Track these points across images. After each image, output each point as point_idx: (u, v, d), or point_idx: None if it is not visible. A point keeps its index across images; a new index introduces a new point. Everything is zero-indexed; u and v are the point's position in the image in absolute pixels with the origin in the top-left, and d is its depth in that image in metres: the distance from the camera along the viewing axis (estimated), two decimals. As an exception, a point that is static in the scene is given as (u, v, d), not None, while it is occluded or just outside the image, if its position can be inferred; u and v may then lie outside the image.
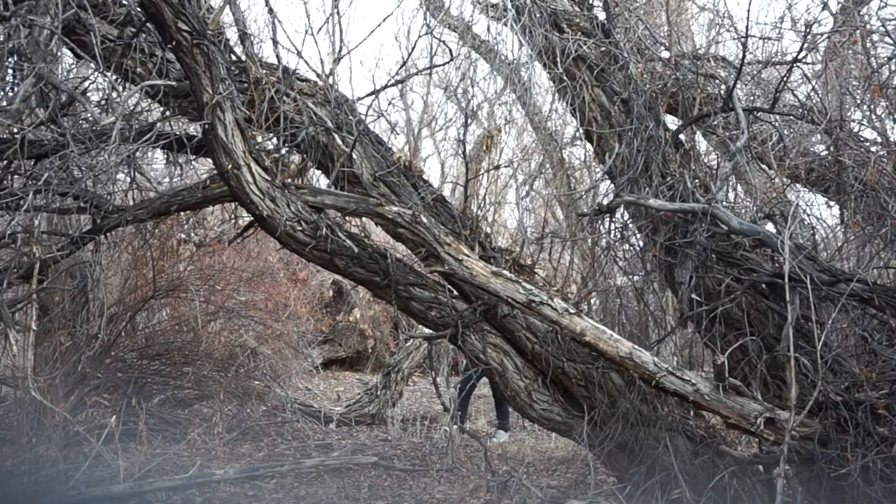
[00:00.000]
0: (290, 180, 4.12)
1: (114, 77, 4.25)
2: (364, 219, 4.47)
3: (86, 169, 4.16)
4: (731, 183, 4.44)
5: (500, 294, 3.86)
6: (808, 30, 4.24)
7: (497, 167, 7.58)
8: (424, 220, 4.03)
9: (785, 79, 4.17)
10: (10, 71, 3.55)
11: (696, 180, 4.23)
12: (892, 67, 4.20)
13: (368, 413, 7.46)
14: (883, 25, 4.12)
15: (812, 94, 4.40)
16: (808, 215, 4.52)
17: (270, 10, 4.47)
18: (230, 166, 3.82)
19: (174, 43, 3.61)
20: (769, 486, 3.81)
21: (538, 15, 4.40)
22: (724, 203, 4.08)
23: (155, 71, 4.12)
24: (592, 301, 5.40)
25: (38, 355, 5.77)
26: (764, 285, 3.98)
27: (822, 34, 4.53)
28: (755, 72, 4.71)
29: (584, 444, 4.14)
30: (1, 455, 5.02)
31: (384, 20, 7.20)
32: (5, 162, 3.90)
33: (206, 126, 3.79)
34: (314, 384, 9.41)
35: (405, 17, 21.34)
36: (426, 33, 4.91)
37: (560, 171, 5.83)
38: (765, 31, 9.47)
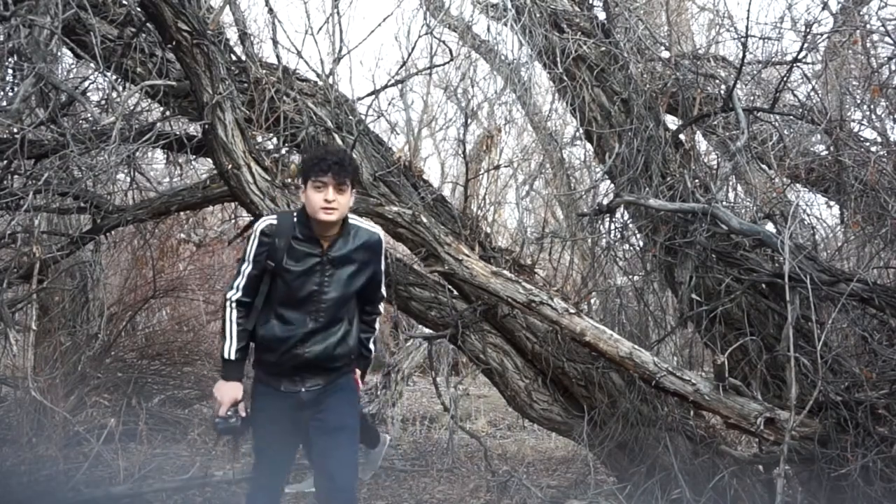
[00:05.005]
0: (290, 180, 4.12)
1: (114, 77, 4.25)
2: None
3: (86, 169, 4.16)
4: (731, 183, 4.44)
5: (500, 294, 3.86)
6: (808, 30, 4.24)
7: (497, 167, 7.56)
8: (424, 220, 4.03)
9: (785, 79, 4.17)
10: (10, 71, 3.55)
11: (696, 180, 4.23)
12: (892, 67, 4.20)
13: (368, 413, 7.46)
14: (883, 25, 4.12)
15: (812, 94, 4.40)
16: (808, 215, 4.52)
17: (270, 10, 4.47)
18: (230, 166, 3.82)
19: (174, 43, 3.61)
20: (769, 486, 3.81)
21: (538, 15, 4.40)
22: (724, 203, 4.08)
23: (155, 71, 4.12)
24: (592, 301, 5.39)
25: (38, 355, 5.77)
26: (764, 285, 3.99)
27: (822, 34, 4.53)
28: (755, 72, 4.71)
29: (584, 444, 4.14)
30: (1, 455, 5.01)
31: (384, 20, 7.22)
32: (5, 162, 3.90)
33: (206, 126, 3.78)
34: (314, 384, 9.40)
35: (405, 17, 21.39)
36: (426, 33, 4.90)
37: (560, 171, 5.82)
38: (765, 31, 9.47)
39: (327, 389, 2.80)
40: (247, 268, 2.76)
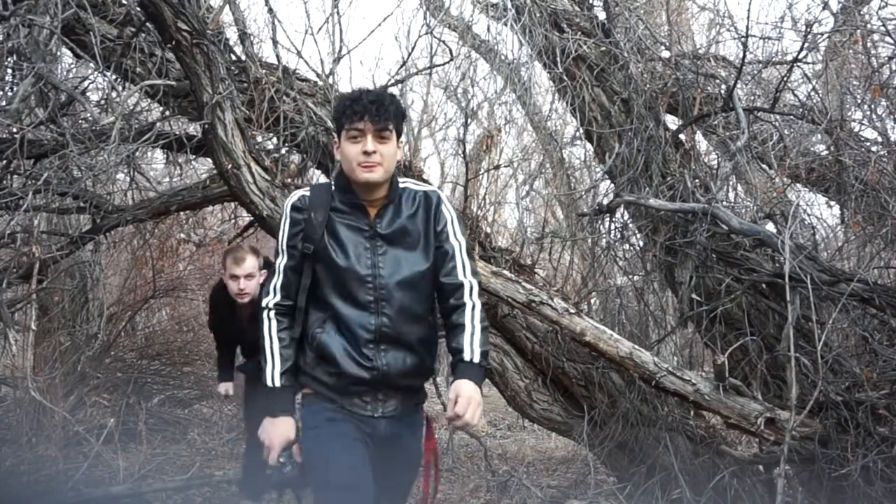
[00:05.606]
0: (290, 180, 4.12)
1: (113, 77, 4.25)
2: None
3: (85, 169, 4.16)
4: (731, 183, 4.44)
5: (500, 294, 3.86)
6: (808, 29, 4.24)
7: (497, 167, 7.56)
8: (424, 219, 4.02)
9: (785, 79, 4.17)
10: (9, 71, 3.54)
11: (696, 180, 4.23)
12: (893, 67, 4.19)
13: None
14: (883, 25, 4.11)
15: (812, 93, 4.39)
16: (809, 215, 4.51)
17: (270, 10, 4.47)
18: (230, 166, 3.81)
19: (174, 43, 3.61)
20: (769, 486, 3.81)
21: (538, 15, 4.40)
22: (724, 203, 4.08)
23: (155, 71, 4.11)
24: (592, 301, 5.39)
25: (37, 355, 5.77)
26: (764, 285, 3.99)
27: (822, 34, 4.52)
28: (755, 71, 4.70)
29: (584, 444, 4.13)
30: (1, 455, 5.01)
31: (384, 20, 7.23)
32: (5, 162, 3.90)
33: (206, 126, 3.78)
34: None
35: (405, 17, 21.42)
36: (426, 33, 4.91)
37: (560, 171, 5.82)
38: (765, 30, 9.50)
39: (401, 422, 2.16)
40: (282, 261, 2.16)
